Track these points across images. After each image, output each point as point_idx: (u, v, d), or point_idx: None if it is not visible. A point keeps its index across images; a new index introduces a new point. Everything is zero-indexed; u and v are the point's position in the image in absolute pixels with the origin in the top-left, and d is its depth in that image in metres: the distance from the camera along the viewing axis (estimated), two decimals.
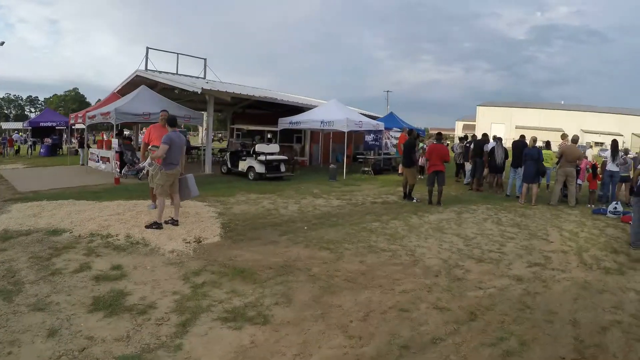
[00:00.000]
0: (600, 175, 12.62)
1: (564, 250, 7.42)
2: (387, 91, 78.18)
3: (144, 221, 7.79)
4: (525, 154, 11.91)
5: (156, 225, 7.43)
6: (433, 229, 8.52)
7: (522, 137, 13.51)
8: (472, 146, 15.21)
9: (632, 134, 65.18)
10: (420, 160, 16.32)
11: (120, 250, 6.41)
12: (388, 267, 6.19)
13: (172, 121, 7.85)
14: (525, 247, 7.50)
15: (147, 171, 8.06)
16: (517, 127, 68.09)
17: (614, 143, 12.50)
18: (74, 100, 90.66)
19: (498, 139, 14.04)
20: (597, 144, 61.43)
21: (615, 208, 10.76)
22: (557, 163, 12.34)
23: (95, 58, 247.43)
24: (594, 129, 70.07)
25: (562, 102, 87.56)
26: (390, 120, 23.03)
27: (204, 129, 29.99)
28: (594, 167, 12.81)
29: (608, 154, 12.49)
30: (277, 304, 4.77)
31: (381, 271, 5.99)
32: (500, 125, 74.48)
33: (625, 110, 75.95)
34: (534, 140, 12.19)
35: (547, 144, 14.99)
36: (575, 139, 12.33)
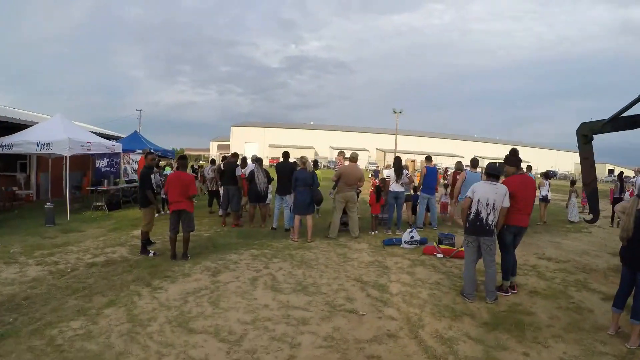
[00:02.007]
0: (383, 198, 10.92)
1: (390, 331, 4.77)
2: (140, 110, 69.80)
3: None
4: (296, 178, 9.39)
5: None
6: (173, 322, 4.90)
7: (286, 154, 10.96)
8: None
9: (377, 148, 73.60)
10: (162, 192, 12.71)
11: None
12: None
13: None
14: (333, 340, 4.54)
15: None
16: (270, 146, 71.06)
17: (398, 160, 10.99)
18: None
19: (257, 160, 11.26)
20: (345, 159, 67.03)
21: (412, 237, 8.99)
22: (333, 187, 10.16)
23: None
24: (342, 145, 77.43)
25: (312, 123, 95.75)
26: (134, 140, 18.66)
27: None
28: (377, 188, 11.07)
29: (391, 172, 10.91)
30: None
31: None
32: (254, 144, 77.37)
33: (369, 129, 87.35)
34: (304, 162, 9.68)
35: (315, 163, 12.92)
36: (354, 157, 10.30)
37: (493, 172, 6.05)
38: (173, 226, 7.65)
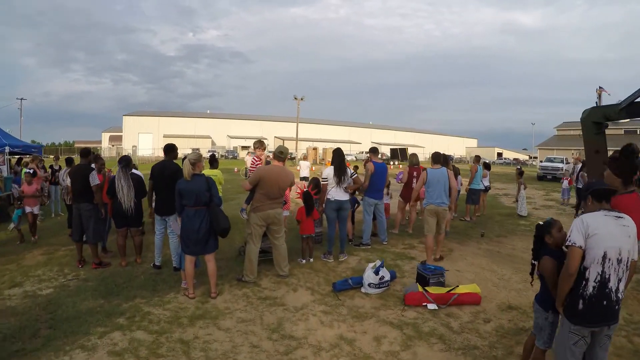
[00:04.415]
0: (320, 209, 7.37)
1: None
2: (21, 99, 55.75)
3: None
4: (180, 192, 5.27)
5: None
6: None
7: (169, 149, 6.55)
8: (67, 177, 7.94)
9: (275, 137, 70.42)
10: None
11: None
12: None
13: None
14: None
15: None
16: (165, 136, 65.87)
17: (339, 154, 7.32)
18: None
19: (121, 162, 6.59)
20: (243, 148, 64.01)
21: (383, 277, 5.62)
22: (247, 201, 6.23)
23: None
24: (239, 134, 73.93)
25: (208, 112, 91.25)
26: None
27: None
28: (306, 194, 7.36)
29: (329, 172, 7.15)
30: None
31: None
32: (148, 135, 71.44)
33: (268, 117, 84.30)
34: (197, 159, 5.37)
35: (213, 159, 8.90)
36: (282, 153, 6.36)
37: (606, 190, 2.83)
38: None
